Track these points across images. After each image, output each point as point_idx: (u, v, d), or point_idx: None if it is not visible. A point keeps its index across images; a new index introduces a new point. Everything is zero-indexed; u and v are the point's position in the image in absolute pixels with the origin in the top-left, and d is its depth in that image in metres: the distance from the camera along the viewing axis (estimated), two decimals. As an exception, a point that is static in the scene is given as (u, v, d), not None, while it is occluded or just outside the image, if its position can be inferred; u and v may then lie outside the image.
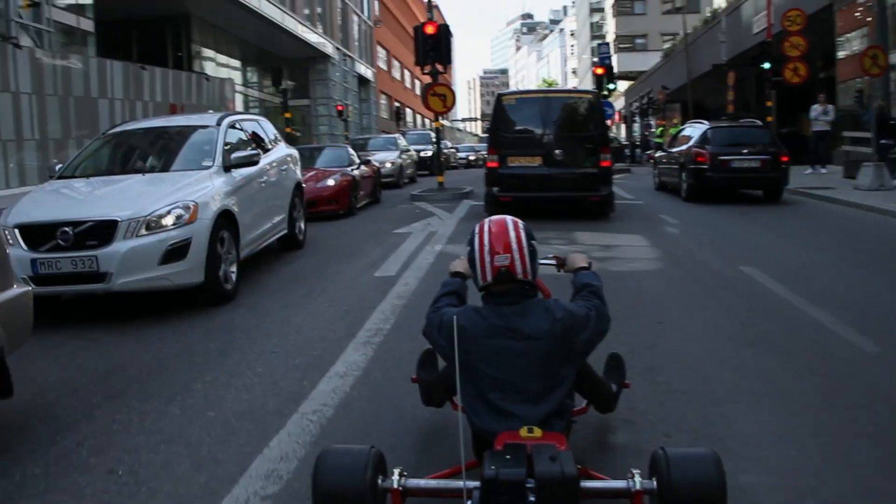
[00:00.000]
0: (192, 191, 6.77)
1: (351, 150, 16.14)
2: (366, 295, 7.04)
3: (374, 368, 4.85)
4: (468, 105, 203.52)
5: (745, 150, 14.42)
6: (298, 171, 10.39)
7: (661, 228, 11.32)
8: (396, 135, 25.67)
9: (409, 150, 24.18)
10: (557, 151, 11.93)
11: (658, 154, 19.99)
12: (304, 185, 12.74)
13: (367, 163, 16.09)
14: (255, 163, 7.94)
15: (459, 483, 2.49)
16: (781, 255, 8.90)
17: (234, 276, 7.11)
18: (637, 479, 2.63)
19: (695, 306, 6.40)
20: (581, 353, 2.96)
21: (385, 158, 21.12)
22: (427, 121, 59.47)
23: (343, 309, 6.55)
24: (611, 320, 3.04)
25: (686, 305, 6.44)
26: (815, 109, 19.71)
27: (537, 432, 2.64)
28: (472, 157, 39.85)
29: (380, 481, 2.68)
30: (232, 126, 8.40)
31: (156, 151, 7.99)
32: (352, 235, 11.22)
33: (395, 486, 2.68)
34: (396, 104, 53.30)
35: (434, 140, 22.05)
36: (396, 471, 2.71)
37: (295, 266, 8.80)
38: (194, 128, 8.27)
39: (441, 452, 3.44)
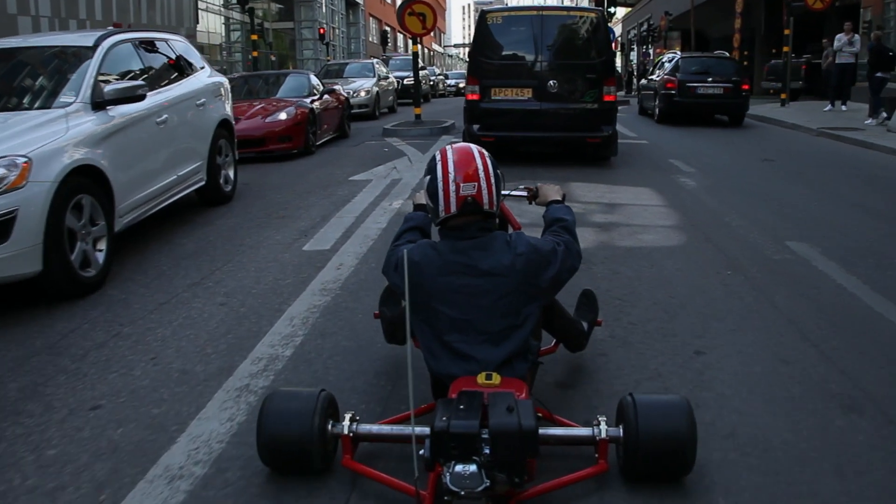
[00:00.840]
0: (27, 140, 4.70)
1: (313, 78, 13.88)
2: (276, 288, 5.04)
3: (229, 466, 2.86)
4: (462, 32, 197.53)
5: (710, 79, 16.23)
6: (228, 106, 8.27)
7: (673, 178, 9.29)
8: (374, 60, 23.16)
9: (388, 78, 21.81)
10: (552, 82, 9.77)
11: (640, 82, 22.11)
12: (243, 121, 10.78)
13: (331, 92, 13.84)
14: (140, 97, 5.81)
15: (410, 429, 2.30)
16: (831, 220, 6.91)
17: (100, 258, 5.10)
18: (602, 426, 2.52)
19: (743, 314, 4.41)
20: (547, 291, 2.74)
21: (360, 87, 18.83)
22: (420, 47, 56.42)
23: (234, 318, 4.47)
24: (581, 257, 2.87)
25: (730, 313, 4.45)
26: (840, 39, 17.43)
27: (496, 379, 2.46)
28: (462, 85, 37.23)
29: (329, 426, 2.57)
30: (120, 48, 6.25)
31: (4, 83, 5.83)
32: (298, 183, 9.15)
33: (346, 431, 2.56)
34: (386, 28, 50.21)
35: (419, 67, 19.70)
36: (348, 416, 2.60)
37: (205, 231, 6.76)
38: (62, 50, 6.10)
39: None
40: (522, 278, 2.61)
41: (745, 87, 16.34)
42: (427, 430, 2.24)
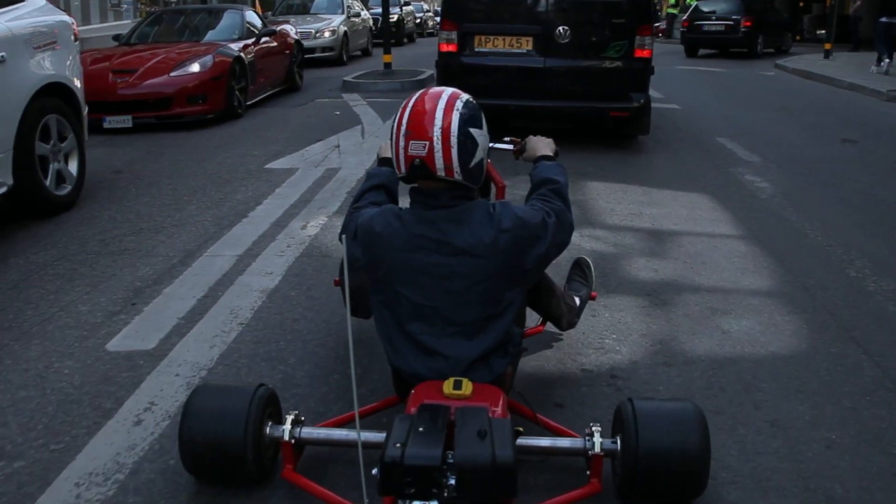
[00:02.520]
0: None
1: (250, 15, 10.89)
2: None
3: None
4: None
5: (714, 17, 19.92)
6: (70, 61, 5.43)
7: (734, 175, 6.61)
8: (346, -8, 19.93)
9: (360, 14, 18.66)
10: (562, 29, 6.94)
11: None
12: (141, 75, 7.96)
13: (273, 34, 10.85)
14: None
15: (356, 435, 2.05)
16: None
17: None
18: (597, 437, 2.23)
19: None
20: (531, 273, 2.36)
21: (323, 26, 15.79)
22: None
23: None
24: (574, 229, 2.47)
25: None
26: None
27: (466, 388, 2.08)
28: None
29: (268, 429, 2.28)
30: None
31: None
32: (190, 173, 6.38)
33: (286, 436, 2.27)
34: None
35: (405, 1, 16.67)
36: (290, 417, 2.31)
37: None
38: None
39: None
40: (506, 260, 2.22)
41: (746, 23, 19.45)
42: (382, 436, 1.98)
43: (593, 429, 2.27)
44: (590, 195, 5.75)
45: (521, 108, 7.21)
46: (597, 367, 3.18)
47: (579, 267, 3.45)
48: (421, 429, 1.88)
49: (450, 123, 2.17)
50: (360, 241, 2.30)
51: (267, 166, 6.52)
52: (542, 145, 2.79)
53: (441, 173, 2.19)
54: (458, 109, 2.21)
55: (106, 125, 8.02)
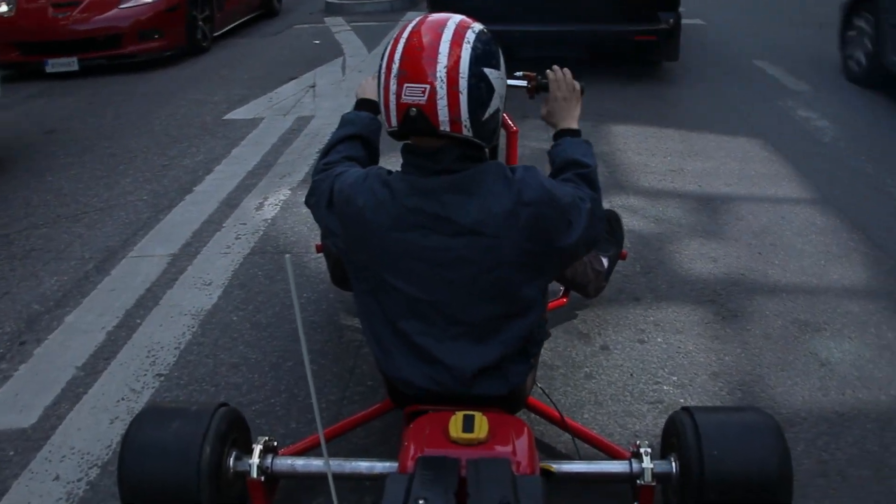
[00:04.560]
0: None
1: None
2: None
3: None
4: None
5: None
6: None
7: (784, 110, 5.47)
8: None
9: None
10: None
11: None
12: (84, 9, 6.76)
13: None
14: None
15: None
16: None
17: None
18: (646, 459, 1.78)
19: None
20: (556, 266, 1.84)
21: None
22: None
23: None
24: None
25: None
26: None
27: (480, 430, 1.55)
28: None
29: (231, 462, 1.81)
30: None
31: None
32: (135, 130, 5.27)
33: (254, 472, 1.80)
34: None
35: None
36: (258, 445, 1.84)
37: None
38: None
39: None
40: (525, 242, 1.68)
41: None
42: (375, 466, 1.80)
43: (640, 448, 1.81)
44: (616, 144, 4.64)
45: (525, 34, 5.97)
46: (649, 431, 2.19)
47: (606, 221, 2.62)
48: (421, 502, 1.37)
49: (457, 62, 1.63)
50: (336, 212, 1.78)
51: (226, 117, 5.39)
52: (565, 112, 2.11)
53: (445, 128, 1.65)
54: (468, 42, 1.66)
55: (49, 69, 6.87)
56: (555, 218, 1.72)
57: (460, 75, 1.62)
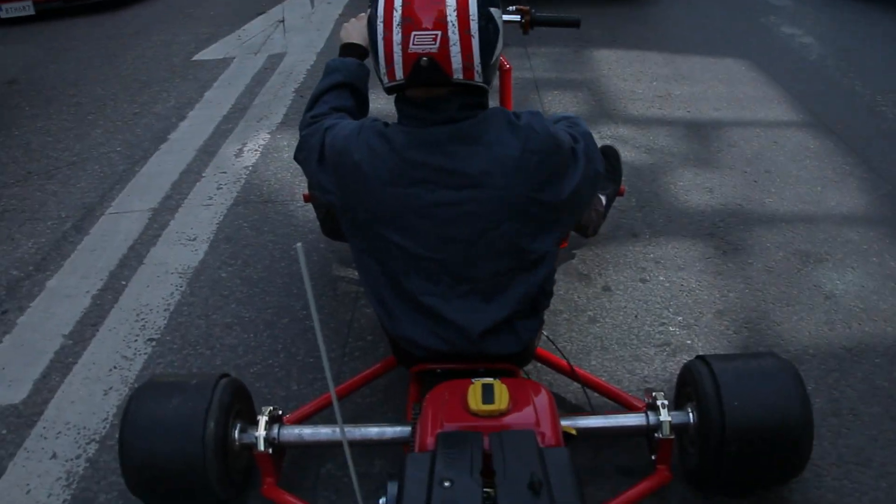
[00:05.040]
0: None
1: None
2: None
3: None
4: None
5: None
6: None
7: (766, 25, 5.24)
8: None
9: None
10: None
11: None
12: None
13: None
14: None
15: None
16: None
17: None
18: (664, 413, 1.71)
19: None
20: (567, 214, 1.72)
21: None
22: None
23: None
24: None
25: None
26: None
27: (501, 400, 1.46)
28: None
29: (236, 434, 1.73)
30: None
31: None
32: (93, 78, 5.01)
33: (261, 445, 1.72)
34: None
35: None
36: (264, 416, 1.75)
37: None
38: None
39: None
40: (532, 191, 1.59)
41: None
42: (386, 431, 1.74)
43: (658, 400, 1.73)
44: (600, 70, 4.48)
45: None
46: (658, 375, 2.14)
47: (605, 157, 2.58)
48: (447, 482, 1.28)
49: (466, 3, 1.52)
50: (330, 168, 1.68)
51: (195, 58, 5.14)
52: None
53: (458, 75, 1.55)
54: None
55: (3, 14, 6.49)
56: (560, 165, 1.65)
57: (470, 18, 1.51)
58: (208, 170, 3.52)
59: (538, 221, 1.67)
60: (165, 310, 2.58)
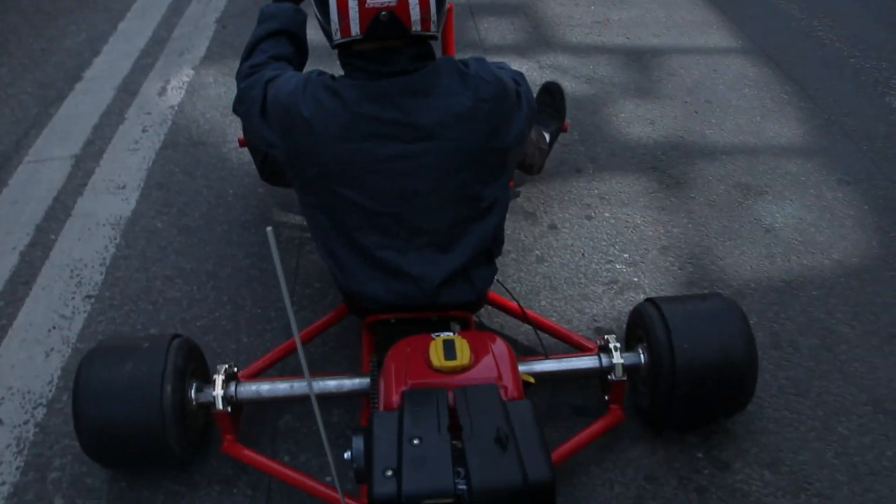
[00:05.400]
0: None
1: None
2: None
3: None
4: None
5: None
6: None
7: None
8: None
9: None
10: None
11: None
12: None
13: None
14: None
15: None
16: None
17: None
18: (616, 355, 1.82)
19: None
20: (514, 157, 1.80)
21: None
22: None
23: None
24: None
25: None
26: None
27: (462, 356, 1.50)
28: None
29: (192, 393, 1.77)
30: None
31: None
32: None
33: (220, 404, 1.76)
34: None
35: None
36: (221, 373, 1.79)
37: None
38: None
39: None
40: (483, 139, 1.65)
41: None
42: (345, 383, 1.80)
43: (609, 341, 1.84)
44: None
45: None
46: (607, 314, 2.25)
47: (549, 94, 2.78)
48: (416, 440, 1.33)
49: None
50: (274, 123, 1.68)
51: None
52: None
53: (416, 28, 1.58)
54: None
55: None
56: (509, 111, 1.71)
57: None
58: (131, 111, 3.43)
59: (489, 168, 1.74)
60: (101, 264, 2.55)
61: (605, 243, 2.57)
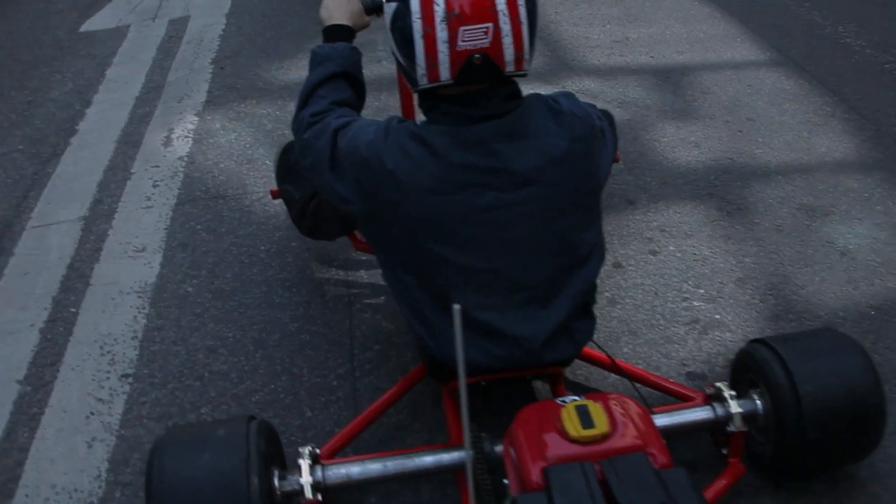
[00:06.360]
0: None
1: None
2: None
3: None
4: None
5: None
6: None
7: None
8: None
9: None
10: None
11: None
12: None
13: None
14: None
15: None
16: None
17: None
18: (733, 404, 1.75)
19: None
20: (600, 201, 1.73)
21: None
22: None
23: None
24: None
25: None
26: None
27: (600, 423, 1.41)
28: None
29: (276, 482, 1.64)
30: None
31: None
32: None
33: (308, 493, 1.65)
34: None
35: None
36: (306, 457, 1.70)
37: None
38: None
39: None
40: (583, 179, 1.61)
41: None
42: (442, 458, 1.71)
43: (721, 389, 1.77)
44: (547, 17, 4.45)
45: None
46: (695, 357, 2.18)
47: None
48: None
49: None
50: (349, 176, 1.62)
51: (83, 29, 4.80)
52: None
53: (510, 68, 1.52)
54: None
55: None
56: (598, 148, 1.69)
57: (518, 3, 1.48)
58: (136, 164, 3.32)
59: (586, 211, 1.70)
60: (133, 338, 2.44)
61: (676, 279, 2.50)
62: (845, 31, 4.11)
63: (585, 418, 1.46)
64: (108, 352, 2.39)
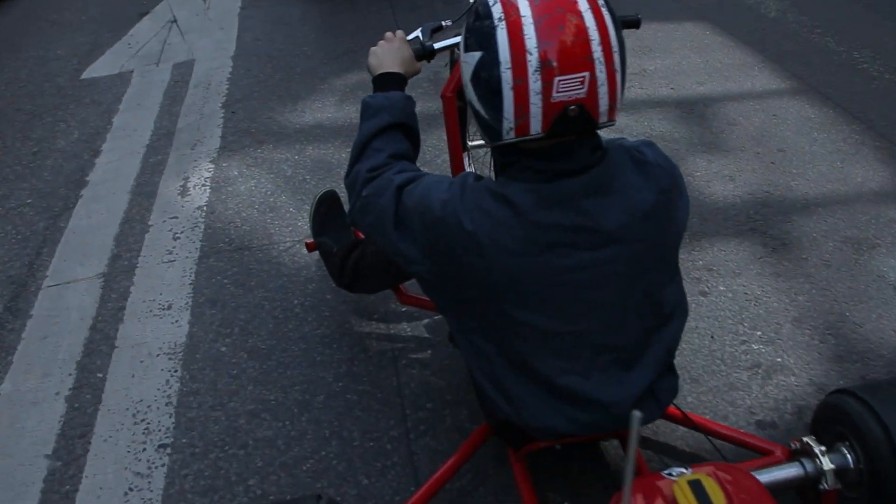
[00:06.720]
0: None
1: None
2: None
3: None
4: None
5: None
6: None
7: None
8: None
9: None
10: None
11: None
12: None
13: None
14: None
15: None
16: None
17: None
18: (825, 460, 1.68)
19: None
20: (678, 250, 1.63)
21: None
22: None
23: None
24: None
25: None
26: None
27: (717, 498, 1.28)
28: None
29: None
30: None
31: None
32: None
33: None
34: None
35: None
36: None
37: None
38: None
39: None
40: (666, 234, 1.53)
41: None
42: None
43: (811, 445, 1.71)
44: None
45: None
46: (762, 404, 2.09)
47: None
48: None
49: (606, 32, 1.37)
50: (417, 237, 1.54)
51: (85, 76, 4.71)
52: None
53: (604, 119, 1.43)
54: (601, 1, 1.41)
55: None
56: (677, 199, 1.58)
57: (613, 49, 1.38)
58: (154, 216, 3.22)
59: (669, 266, 1.61)
60: (167, 404, 2.32)
61: (731, 321, 2.42)
62: (861, 56, 4.09)
63: (702, 496, 1.36)
64: (142, 420, 2.27)
